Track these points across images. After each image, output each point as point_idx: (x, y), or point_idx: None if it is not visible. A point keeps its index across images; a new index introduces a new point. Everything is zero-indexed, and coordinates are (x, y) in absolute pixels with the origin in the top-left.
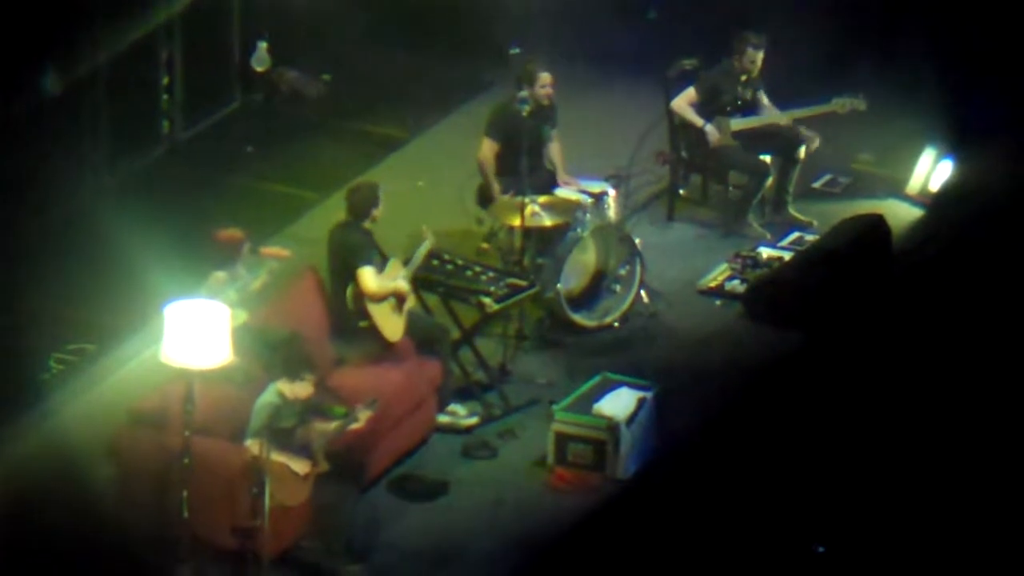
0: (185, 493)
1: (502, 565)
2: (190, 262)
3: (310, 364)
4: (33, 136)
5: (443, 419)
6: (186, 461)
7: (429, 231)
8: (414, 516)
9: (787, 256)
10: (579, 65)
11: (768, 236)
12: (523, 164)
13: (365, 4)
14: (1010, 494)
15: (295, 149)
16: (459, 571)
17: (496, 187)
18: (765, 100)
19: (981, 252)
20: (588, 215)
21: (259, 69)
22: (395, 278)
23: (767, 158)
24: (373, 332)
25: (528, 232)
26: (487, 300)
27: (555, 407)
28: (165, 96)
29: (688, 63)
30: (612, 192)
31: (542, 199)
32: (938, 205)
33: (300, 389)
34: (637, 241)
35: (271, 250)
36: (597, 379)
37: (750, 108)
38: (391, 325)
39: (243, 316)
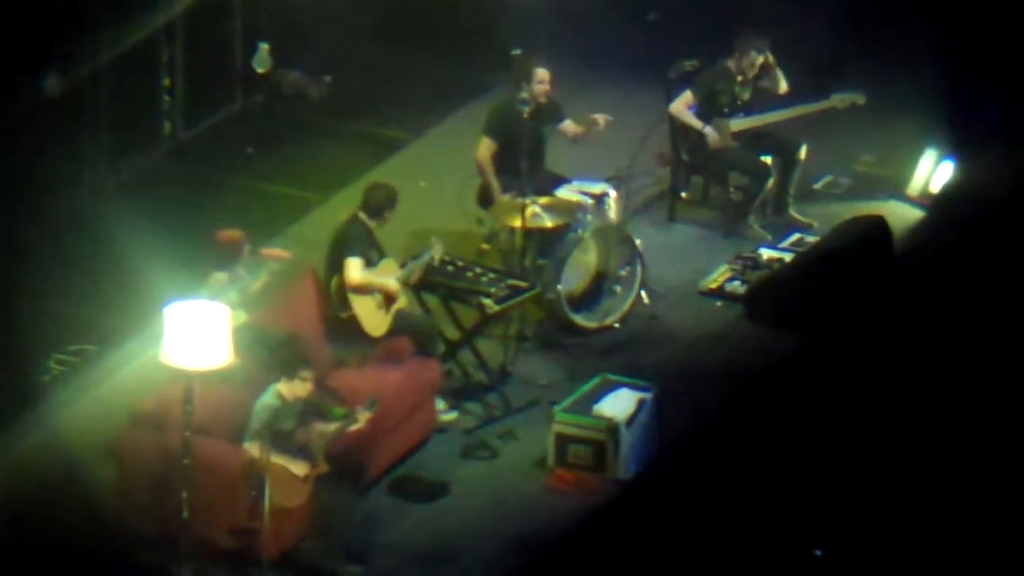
0: (185, 494)
1: (502, 566)
2: (191, 263)
3: (307, 362)
4: (34, 137)
5: None
6: (186, 462)
7: (439, 244)
8: (414, 517)
9: (788, 257)
10: (579, 65)
11: (769, 237)
12: (523, 165)
13: (367, 5)
14: (1011, 495)
15: (296, 150)
16: (459, 572)
17: (496, 186)
18: (783, 82)
19: (983, 254)
20: (589, 216)
21: (260, 70)
22: (386, 276)
23: (768, 159)
24: (355, 325)
25: (529, 233)
26: (487, 301)
27: (555, 408)
28: (166, 97)
29: (689, 64)
30: (613, 193)
31: (543, 200)
32: (939, 206)
33: (299, 389)
34: (638, 242)
35: (271, 251)
36: (597, 380)
37: (749, 108)
38: (374, 320)
39: (243, 317)
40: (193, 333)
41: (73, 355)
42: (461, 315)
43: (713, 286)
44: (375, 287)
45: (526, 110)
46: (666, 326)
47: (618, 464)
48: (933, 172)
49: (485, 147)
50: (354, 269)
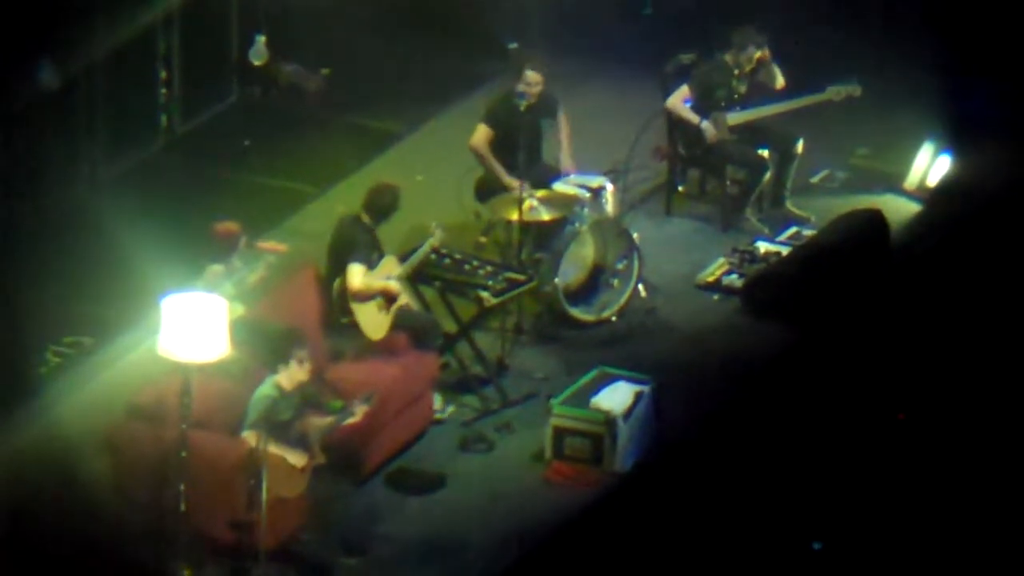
0: (182, 486)
1: (499, 559)
2: (187, 256)
3: (301, 342)
4: (31, 130)
5: None
6: (183, 454)
7: (439, 229)
8: (411, 509)
9: (785, 251)
10: (577, 59)
11: (766, 231)
12: (520, 158)
13: None
14: (1009, 490)
15: (293, 143)
16: (456, 564)
17: (499, 169)
18: (779, 77)
19: (979, 247)
20: (586, 210)
21: (257, 63)
22: (388, 276)
23: (765, 153)
24: (355, 329)
25: (526, 226)
26: (485, 294)
27: (553, 401)
28: (163, 90)
29: (686, 58)
30: (610, 187)
31: (540, 193)
32: (936, 200)
33: (297, 374)
34: (635, 236)
35: (268, 244)
36: (595, 373)
37: (746, 102)
38: (374, 324)
39: (240, 309)
40: (190, 326)
41: (70, 347)
42: (458, 308)
43: (710, 279)
44: (376, 291)
45: (523, 103)
46: (663, 319)
47: (615, 457)
48: (930, 166)
49: (481, 134)
50: (357, 276)
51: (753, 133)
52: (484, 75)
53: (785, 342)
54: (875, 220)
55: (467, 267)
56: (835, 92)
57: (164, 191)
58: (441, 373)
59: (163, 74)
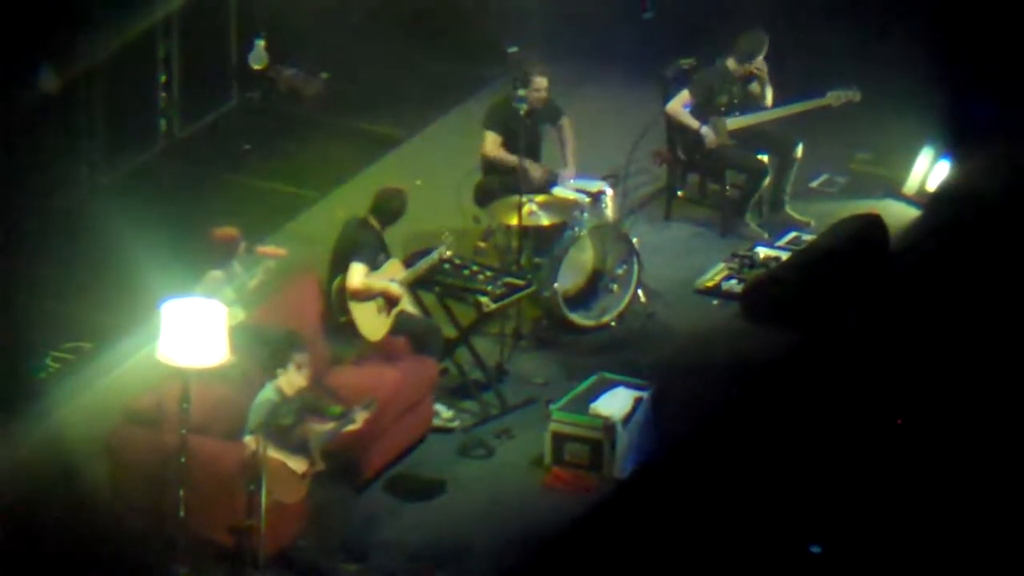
0: (181, 492)
1: (499, 564)
2: (187, 261)
3: (300, 347)
4: (30, 133)
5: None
6: (183, 459)
7: (451, 239)
8: (411, 515)
9: (784, 256)
10: (576, 63)
11: (765, 236)
12: (521, 163)
13: (362, 2)
14: (1009, 493)
15: (293, 147)
16: (456, 570)
17: (519, 161)
18: (769, 96)
19: (978, 252)
20: (586, 214)
21: (257, 67)
22: (390, 278)
23: (764, 158)
24: (352, 329)
25: (525, 231)
26: (484, 299)
27: (552, 407)
28: (163, 94)
29: (685, 63)
30: (609, 191)
31: (540, 198)
32: (935, 205)
33: (297, 379)
34: (634, 240)
35: (268, 249)
36: (594, 379)
37: (745, 106)
38: (372, 324)
39: (240, 315)
40: (189, 331)
41: (69, 353)
42: (458, 313)
43: (710, 284)
44: (377, 292)
45: (523, 108)
46: (663, 324)
47: (615, 463)
48: (929, 171)
49: (491, 141)
50: (357, 275)
51: (753, 137)
52: (484, 79)
53: (785, 347)
54: (874, 225)
55: (466, 272)
56: (835, 97)
57: (164, 195)
58: (440, 378)
59: (163, 78)
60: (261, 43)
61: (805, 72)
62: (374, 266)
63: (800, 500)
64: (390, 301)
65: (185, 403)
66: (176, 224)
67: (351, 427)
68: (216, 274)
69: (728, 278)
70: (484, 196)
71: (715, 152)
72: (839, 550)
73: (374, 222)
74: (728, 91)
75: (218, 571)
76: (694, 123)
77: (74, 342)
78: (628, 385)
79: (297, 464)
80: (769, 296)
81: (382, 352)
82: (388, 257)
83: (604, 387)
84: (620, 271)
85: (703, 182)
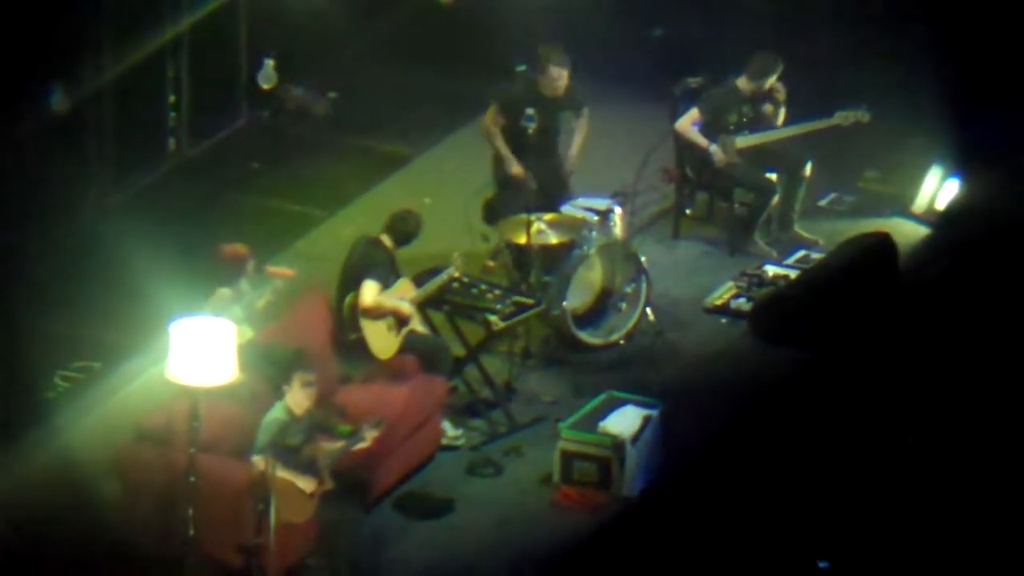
0: (191, 510)
1: None
2: (196, 279)
3: (305, 366)
4: (39, 153)
5: None
6: (192, 478)
7: (460, 259)
8: (419, 534)
9: (793, 274)
10: (585, 81)
11: (774, 254)
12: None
13: (371, 22)
14: (1016, 511)
15: (301, 166)
16: None
17: (505, 151)
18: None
19: (987, 271)
20: (594, 233)
21: (265, 86)
22: (401, 297)
23: (773, 176)
24: (362, 346)
25: (528, 249)
26: (493, 318)
27: (561, 425)
28: (172, 113)
29: (694, 81)
30: (618, 210)
31: (548, 216)
32: (944, 223)
33: (303, 398)
34: (643, 259)
35: (277, 269)
36: (603, 397)
37: (754, 125)
38: (382, 343)
39: (248, 333)
40: (198, 350)
41: (78, 372)
42: (466, 331)
43: (718, 303)
44: (388, 310)
45: (531, 127)
46: (671, 343)
47: (623, 481)
48: (939, 189)
49: (492, 115)
50: (370, 292)
51: (762, 156)
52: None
53: (793, 366)
54: (883, 244)
55: (475, 291)
56: (843, 117)
57: (172, 214)
58: (449, 397)
59: (172, 97)
60: (270, 62)
61: (813, 92)
62: (386, 285)
63: (808, 517)
64: (400, 320)
65: (194, 422)
66: (185, 243)
67: (360, 445)
68: (224, 292)
69: (737, 296)
70: (493, 214)
71: (724, 170)
72: (848, 566)
73: (387, 242)
74: (737, 110)
75: None
76: (703, 141)
77: (83, 361)
78: (637, 403)
79: (306, 483)
80: (778, 315)
81: (391, 371)
82: (398, 277)
83: (613, 405)
84: (629, 289)
85: (712, 200)
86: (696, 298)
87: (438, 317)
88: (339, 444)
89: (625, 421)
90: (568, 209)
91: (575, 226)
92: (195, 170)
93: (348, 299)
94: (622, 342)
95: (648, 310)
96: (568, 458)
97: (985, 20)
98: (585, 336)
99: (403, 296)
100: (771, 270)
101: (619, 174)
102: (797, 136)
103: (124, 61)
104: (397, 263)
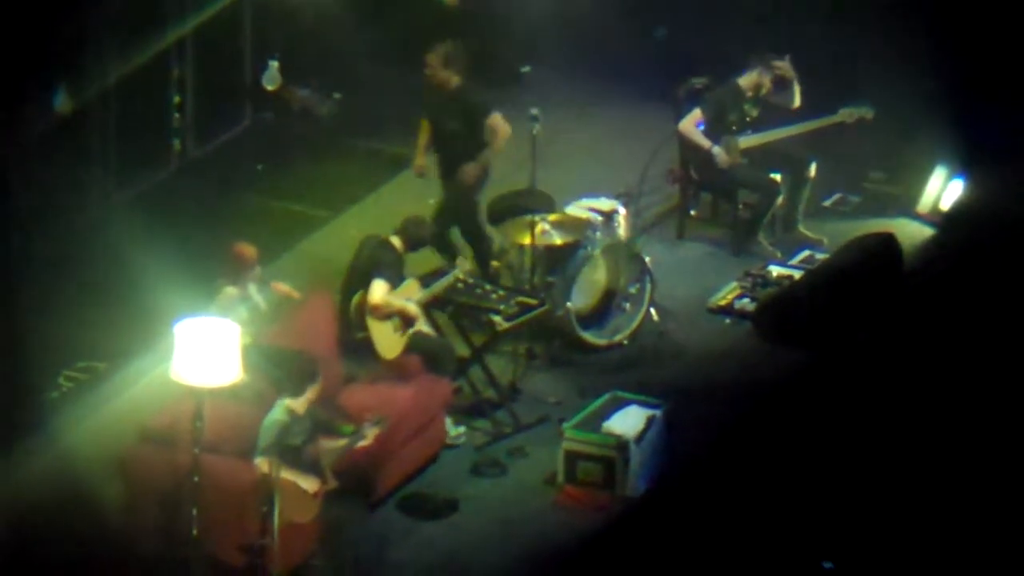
0: (195, 511)
1: None
2: (200, 280)
3: (314, 378)
4: (44, 153)
5: None
6: (196, 479)
7: (465, 262)
8: (423, 534)
9: (797, 274)
10: (589, 82)
11: (778, 255)
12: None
13: (375, 23)
14: (1017, 511)
15: (305, 167)
16: None
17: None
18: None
19: (992, 271)
20: (598, 233)
21: (270, 88)
22: (407, 298)
23: (777, 176)
24: (367, 346)
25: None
26: (497, 318)
27: (565, 425)
28: (176, 114)
29: (697, 82)
30: (622, 210)
31: (552, 217)
32: (949, 224)
33: (304, 401)
34: (647, 259)
35: (282, 287)
36: (607, 397)
37: (758, 125)
38: (388, 343)
39: (253, 334)
40: (203, 350)
41: (82, 372)
42: (471, 332)
43: (722, 303)
44: (395, 310)
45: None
46: (675, 343)
47: (627, 481)
48: (943, 190)
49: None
50: (379, 291)
51: (766, 156)
52: (497, 99)
53: (797, 366)
54: (888, 244)
55: (479, 291)
56: (847, 114)
57: (177, 215)
58: (454, 397)
59: (176, 99)
60: (275, 64)
61: (817, 93)
62: (394, 286)
63: (813, 517)
64: (407, 320)
65: (198, 422)
66: (189, 243)
67: (361, 443)
68: (230, 291)
69: (741, 297)
70: (497, 215)
71: (727, 171)
72: (852, 567)
73: (398, 244)
74: (740, 110)
75: None
76: (706, 142)
77: (87, 361)
78: (641, 404)
79: (309, 483)
80: (782, 315)
81: (396, 371)
82: (404, 279)
83: (617, 406)
84: (633, 290)
85: (716, 201)
86: (700, 298)
87: (442, 317)
88: (341, 443)
89: (629, 421)
90: (572, 209)
91: (579, 227)
92: (199, 171)
93: (356, 298)
94: (626, 342)
95: (652, 310)
96: (572, 458)
97: (991, 20)
98: (589, 337)
99: (409, 297)
100: (775, 270)
101: (623, 175)
102: (801, 136)
103: (129, 62)
104: (403, 265)
